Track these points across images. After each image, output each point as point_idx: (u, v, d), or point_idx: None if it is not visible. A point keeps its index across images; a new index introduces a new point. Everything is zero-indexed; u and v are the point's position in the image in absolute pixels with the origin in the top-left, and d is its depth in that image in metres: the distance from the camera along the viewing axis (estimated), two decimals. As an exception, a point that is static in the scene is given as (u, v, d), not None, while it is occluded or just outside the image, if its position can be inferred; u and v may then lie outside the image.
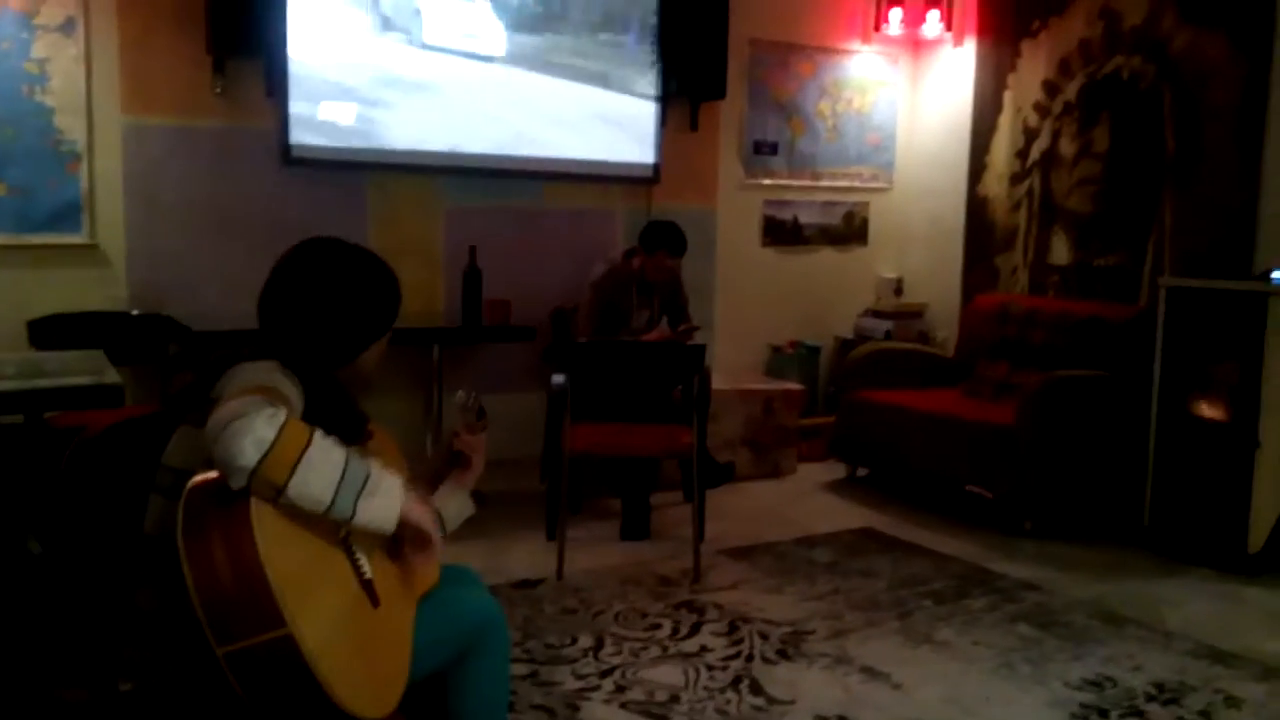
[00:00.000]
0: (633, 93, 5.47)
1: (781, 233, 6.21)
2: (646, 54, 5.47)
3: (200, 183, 4.67)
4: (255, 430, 1.49)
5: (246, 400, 1.53)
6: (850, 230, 6.43)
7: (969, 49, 6.07)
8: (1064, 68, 5.48)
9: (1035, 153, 5.66)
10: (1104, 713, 2.89)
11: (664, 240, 4.70)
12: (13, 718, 2.48)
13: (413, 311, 4.34)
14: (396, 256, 2.08)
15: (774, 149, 6.11)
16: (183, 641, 1.55)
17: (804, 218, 6.26)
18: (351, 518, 1.60)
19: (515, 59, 5.17)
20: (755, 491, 5.18)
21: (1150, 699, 2.97)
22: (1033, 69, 5.66)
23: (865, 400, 5.23)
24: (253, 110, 4.72)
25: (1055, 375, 4.63)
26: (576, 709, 2.84)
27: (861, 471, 5.48)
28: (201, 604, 1.44)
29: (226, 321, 4.22)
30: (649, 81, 5.49)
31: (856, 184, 6.40)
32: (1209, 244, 4.80)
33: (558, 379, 4.32)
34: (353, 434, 1.80)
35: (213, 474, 1.54)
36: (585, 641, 3.28)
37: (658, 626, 3.42)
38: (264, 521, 1.50)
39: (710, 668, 3.11)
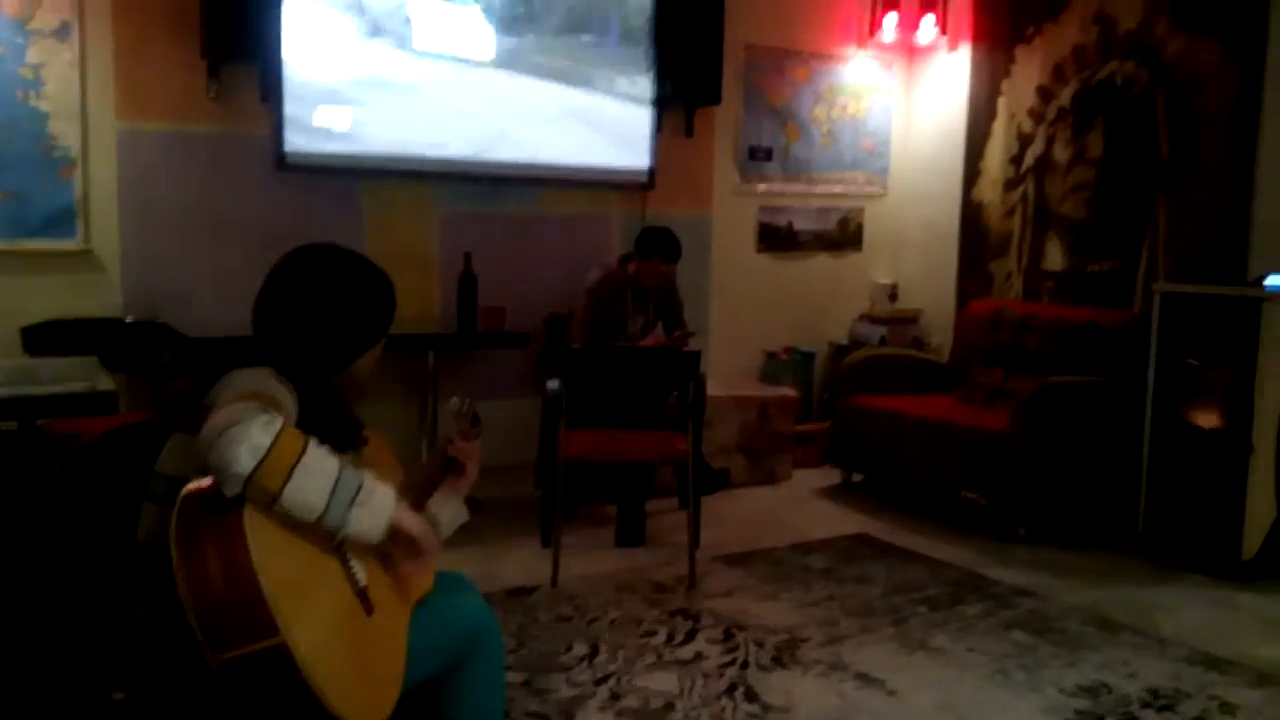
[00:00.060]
0: (628, 98, 5.47)
1: (776, 238, 6.22)
2: (641, 59, 5.47)
3: (195, 188, 4.66)
4: (251, 437, 1.48)
5: (241, 407, 1.53)
6: (845, 236, 6.44)
7: (963, 55, 6.08)
8: (1058, 73, 5.50)
9: (1029, 158, 5.68)
10: (1099, 719, 2.89)
11: (659, 246, 4.69)
12: (5, 726, 2.47)
13: (407, 317, 4.31)
14: (391, 262, 2.07)
15: (769, 154, 6.11)
16: (176, 650, 1.55)
17: (799, 223, 6.27)
18: (343, 526, 1.60)
19: (510, 64, 5.18)
20: (750, 498, 5.18)
21: (1145, 705, 2.97)
22: (1027, 75, 5.67)
23: (860, 406, 5.24)
24: (247, 116, 4.71)
25: (1049, 381, 4.63)
26: (571, 716, 2.83)
27: (856, 477, 5.48)
28: (195, 612, 1.44)
29: (221, 328, 4.22)
30: (644, 87, 5.49)
31: (851, 189, 6.41)
32: (1203, 249, 4.81)
33: (552, 385, 4.32)
34: (347, 440, 1.80)
35: (206, 481, 1.53)
36: (580, 649, 3.27)
37: (653, 633, 3.42)
38: (258, 530, 1.50)
39: (705, 675, 3.11)
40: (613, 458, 4.21)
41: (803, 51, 6.14)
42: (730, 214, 6.04)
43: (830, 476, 5.54)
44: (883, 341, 6.05)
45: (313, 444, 1.57)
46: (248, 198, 4.75)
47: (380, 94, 4.91)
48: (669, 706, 2.90)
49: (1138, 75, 5.11)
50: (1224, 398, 4.10)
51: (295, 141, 4.71)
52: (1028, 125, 5.68)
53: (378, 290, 1.94)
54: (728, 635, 3.41)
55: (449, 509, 2.08)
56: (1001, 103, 5.83)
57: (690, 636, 3.39)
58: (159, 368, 4.29)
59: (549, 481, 4.21)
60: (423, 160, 5.04)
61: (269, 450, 1.49)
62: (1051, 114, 5.55)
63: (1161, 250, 5.02)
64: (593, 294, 4.75)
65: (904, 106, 6.49)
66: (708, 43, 5.56)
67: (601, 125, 5.45)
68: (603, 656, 3.22)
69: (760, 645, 3.33)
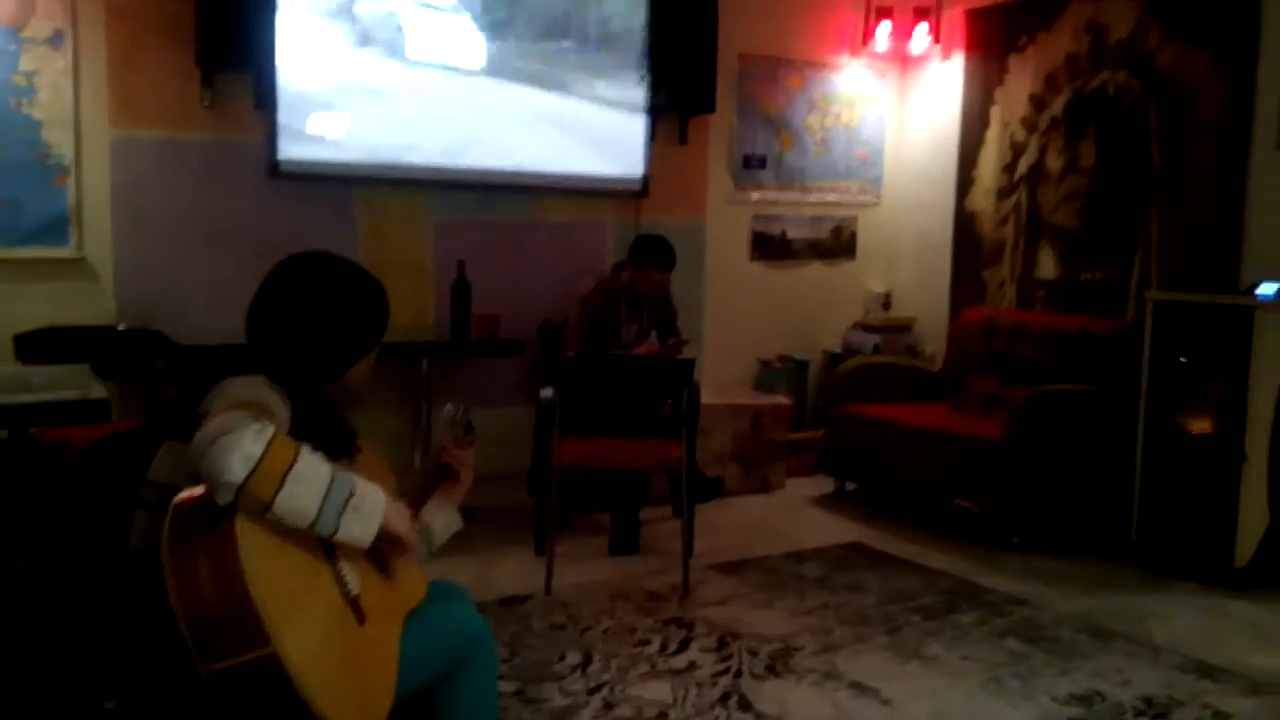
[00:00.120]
0: (622, 107, 5.48)
1: (770, 247, 6.22)
2: (636, 68, 5.48)
3: (188, 196, 4.66)
4: (243, 446, 1.48)
5: (233, 416, 1.53)
6: (839, 244, 6.45)
7: (956, 64, 6.10)
8: (1050, 83, 5.52)
9: (1022, 167, 5.69)
10: (1093, 727, 2.89)
11: (653, 254, 4.70)
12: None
13: (401, 325, 4.33)
14: (385, 270, 2.08)
15: (763, 163, 6.13)
16: (167, 659, 1.54)
17: (792, 232, 6.28)
18: (335, 532, 1.60)
19: (502, 72, 5.18)
20: (744, 506, 5.18)
21: (1139, 714, 2.97)
22: (1020, 84, 5.69)
23: (854, 414, 5.24)
24: (241, 123, 4.71)
25: (1043, 389, 4.64)
26: (565, 725, 2.83)
27: (850, 486, 5.48)
28: (186, 621, 1.44)
29: (214, 336, 4.21)
30: (638, 95, 5.50)
31: (845, 198, 6.42)
32: (1195, 258, 4.83)
33: (546, 393, 4.32)
34: (340, 449, 1.80)
35: (198, 490, 1.53)
36: (573, 658, 3.27)
37: (646, 642, 3.41)
38: (249, 539, 1.49)
39: (699, 684, 3.10)
40: (606, 466, 4.21)
41: (796, 60, 6.16)
42: (724, 222, 6.04)
43: (824, 485, 5.54)
44: (876, 350, 6.05)
45: (304, 451, 1.56)
46: (241, 205, 4.74)
47: (373, 102, 4.91)
48: (662, 716, 2.89)
49: (1130, 85, 5.13)
50: (1216, 406, 4.11)
51: (289, 149, 4.70)
52: (1020, 134, 5.70)
53: (371, 298, 1.94)
54: (721, 644, 3.40)
55: (442, 517, 2.08)
56: (994, 112, 5.85)
57: (684, 645, 3.39)
58: (151, 376, 4.29)
59: (543, 490, 4.20)
60: (416, 168, 5.04)
61: (261, 459, 1.49)
62: (1044, 123, 5.57)
63: (1154, 259, 5.04)
64: (587, 303, 4.75)
65: (897, 115, 6.51)
66: (702, 51, 5.57)
67: (595, 134, 5.45)
68: (596, 665, 3.21)
69: (754, 654, 3.33)
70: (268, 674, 1.45)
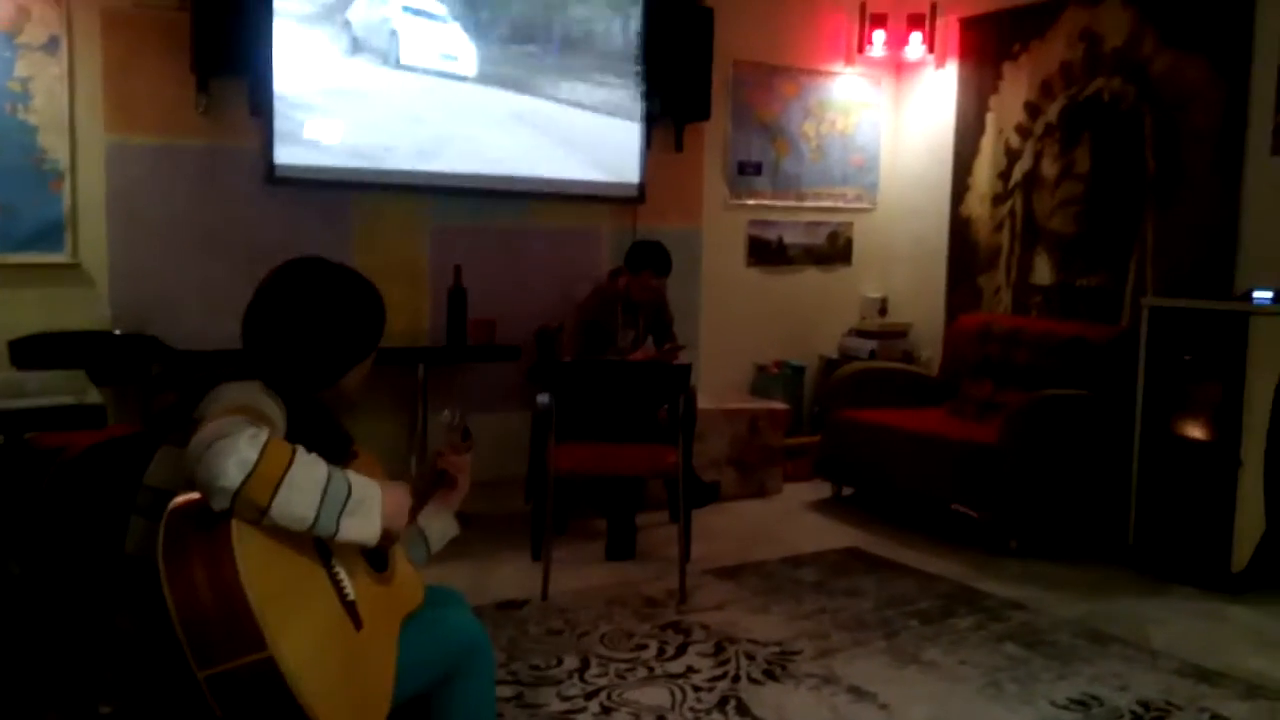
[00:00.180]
0: (617, 113, 5.48)
1: (766, 253, 6.23)
2: (631, 76, 5.49)
3: (183, 202, 4.65)
4: (238, 451, 1.48)
5: (229, 421, 1.53)
6: (834, 250, 6.46)
7: (951, 71, 6.11)
8: (1045, 89, 5.53)
9: (1017, 173, 5.70)
10: (1090, 732, 2.89)
11: (649, 260, 4.70)
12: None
13: (397, 331, 4.32)
14: (381, 276, 2.07)
15: (758, 169, 6.13)
16: (163, 664, 1.54)
17: (788, 238, 6.28)
18: (335, 534, 1.60)
19: (498, 79, 5.18)
20: (741, 511, 5.18)
21: (1136, 718, 2.97)
22: (1014, 91, 5.70)
23: (850, 420, 5.24)
24: (236, 129, 4.71)
25: (1039, 395, 4.64)
26: (562, 731, 2.83)
27: (847, 491, 5.48)
28: (182, 626, 1.43)
29: (210, 341, 4.20)
30: (634, 102, 5.50)
31: (840, 204, 6.43)
32: (1190, 264, 4.83)
33: (542, 398, 4.31)
34: (336, 455, 1.79)
35: (194, 495, 1.53)
36: (571, 663, 3.26)
37: (644, 647, 3.40)
38: (245, 543, 1.49)
39: (697, 689, 3.10)
40: (603, 471, 4.21)
41: (791, 67, 6.17)
42: (720, 228, 6.05)
43: (821, 490, 5.53)
44: (872, 355, 6.06)
45: (300, 453, 1.56)
46: (236, 211, 4.74)
47: (368, 108, 4.91)
48: (660, 721, 2.89)
49: (1125, 91, 5.14)
50: (1213, 411, 4.11)
51: (284, 155, 4.69)
52: (1015, 141, 5.71)
53: (367, 304, 1.94)
54: (719, 649, 3.40)
55: (439, 523, 2.08)
56: (989, 118, 5.86)
57: (681, 650, 3.38)
58: (147, 381, 4.28)
59: (539, 495, 4.20)
60: (412, 174, 5.04)
61: (256, 463, 1.49)
62: (1039, 130, 5.58)
63: (1149, 265, 5.04)
64: (583, 309, 4.76)
65: (893, 122, 6.52)
66: (697, 59, 5.58)
67: (591, 140, 5.45)
68: (593, 670, 3.20)
69: (751, 659, 3.32)
70: (264, 678, 1.44)
